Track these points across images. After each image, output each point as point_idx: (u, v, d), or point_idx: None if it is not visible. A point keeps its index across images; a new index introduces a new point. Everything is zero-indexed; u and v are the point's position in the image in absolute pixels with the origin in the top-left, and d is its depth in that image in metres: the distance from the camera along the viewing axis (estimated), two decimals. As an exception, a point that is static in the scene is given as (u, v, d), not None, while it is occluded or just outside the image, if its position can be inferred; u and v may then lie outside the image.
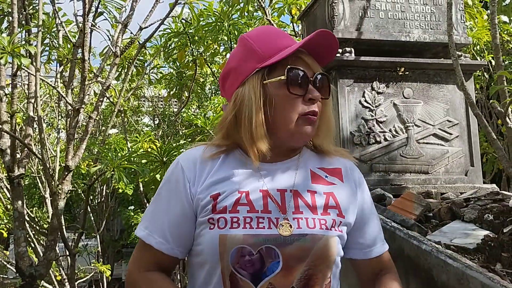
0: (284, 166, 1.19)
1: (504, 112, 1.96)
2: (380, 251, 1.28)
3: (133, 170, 3.88)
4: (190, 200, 1.13)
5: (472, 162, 3.07)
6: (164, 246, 1.13)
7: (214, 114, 4.58)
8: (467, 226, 2.24)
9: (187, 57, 5.35)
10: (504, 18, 5.62)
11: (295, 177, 1.17)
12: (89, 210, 7.99)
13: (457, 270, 1.79)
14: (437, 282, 1.88)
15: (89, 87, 4.13)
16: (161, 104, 9.44)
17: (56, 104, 6.45)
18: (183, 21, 4.96)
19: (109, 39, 4.46)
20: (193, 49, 5.16)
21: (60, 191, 3.73)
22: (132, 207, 8.34)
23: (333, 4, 3.04)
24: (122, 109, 6.08)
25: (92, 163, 5.76)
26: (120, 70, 5.50)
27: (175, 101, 8.65)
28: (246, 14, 4.93)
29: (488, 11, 4.82)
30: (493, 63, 5.05)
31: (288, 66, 1.13)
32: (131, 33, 4.78)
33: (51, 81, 5.37)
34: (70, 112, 4.35)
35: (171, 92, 6.29)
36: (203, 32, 4.81)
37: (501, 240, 1.98)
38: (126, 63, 5.26)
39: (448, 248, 2.04)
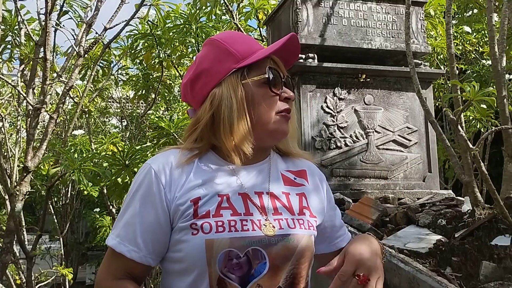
0: (257, 169, 1.19)
1: (456, 120, 2.02)
2: (348, 239, 1.31)
3: (97, 172, 3.81)
4: (165, 206, 1.10)
5: (430, 168, 3.14)
6: (136, 254, 1.09)
7: (180, 117, 4.54)
8: (421, 231, 2.30)
9: (154, 59, 5.30)
10: (467, 29, 5.79)
11: (269, 180, 1.18)
12: (53, 212, 7.82)
13: (408, 274, 1.83)
14: (390, 286, 1.92)
15: (51, 87, 4.04)
16: (130, 106, 9.33)
17: (18, 104, 6.29)
18: (150, 22, 4.93)
19: (74, 39, 4.39)
20: (160, 51, 5.12)
21: (18, 192, 3.63)
22: (98, 210, 8.21)
23: (297, 10, 3.07)
24: (86, 110, 5.97)
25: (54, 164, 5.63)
26: (86, 70, 5.41)
27: (143, 103, 8.57)
28: (213, 17, 4.93)
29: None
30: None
31: (268, 66, 1.16)
32: (96, 33, 4.71)
33: (13, 80, 5.24)
34: (30, 112, 4.25)
35: (138, 94, 6.23)
36: (170, 34, 4.78)
37: (452, 245, 2.04)
38: (91, 63, 5.17)
39: (401, 253, 2.08)
